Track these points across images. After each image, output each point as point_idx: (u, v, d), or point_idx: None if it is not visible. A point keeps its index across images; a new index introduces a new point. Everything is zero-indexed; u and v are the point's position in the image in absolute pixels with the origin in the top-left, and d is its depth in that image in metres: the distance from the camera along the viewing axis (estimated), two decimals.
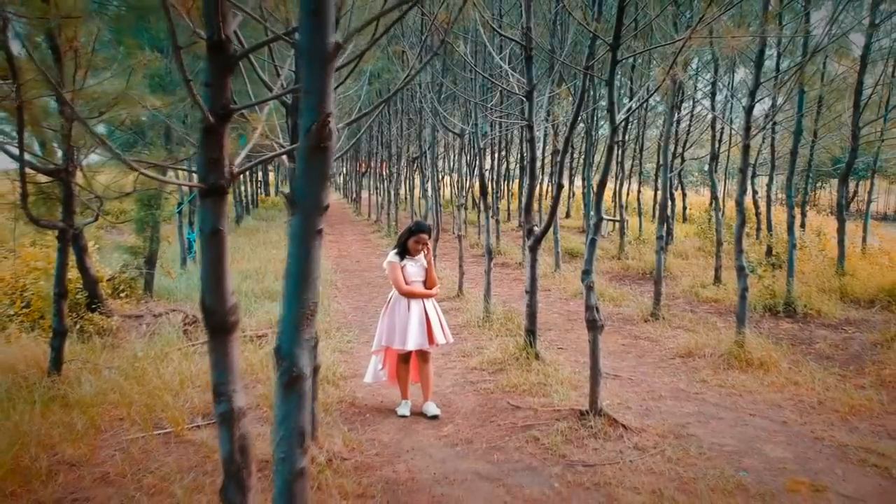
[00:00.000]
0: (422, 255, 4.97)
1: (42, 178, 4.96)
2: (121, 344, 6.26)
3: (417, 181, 21.49)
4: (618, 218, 16.11)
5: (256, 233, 17.97)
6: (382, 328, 4.92)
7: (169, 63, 5.48)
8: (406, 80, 3.57)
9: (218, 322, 2.19)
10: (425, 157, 14.81)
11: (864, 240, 12.48)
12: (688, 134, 16.60)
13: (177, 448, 4.24)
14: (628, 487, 3.72)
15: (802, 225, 13.15)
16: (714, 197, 10.84)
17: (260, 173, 30.42)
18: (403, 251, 4.93)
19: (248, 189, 26.38)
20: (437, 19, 4.49)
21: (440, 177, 19.26)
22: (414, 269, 4.94)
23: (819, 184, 28.16)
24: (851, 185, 27.55)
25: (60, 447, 4.12)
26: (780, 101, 9.76)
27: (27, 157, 4.43)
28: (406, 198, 24.90)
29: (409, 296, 4.87)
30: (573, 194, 24.25)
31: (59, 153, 5.36)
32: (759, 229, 14.40)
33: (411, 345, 4.80)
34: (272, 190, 36.02)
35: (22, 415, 4.35)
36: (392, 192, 19.61)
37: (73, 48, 4.19)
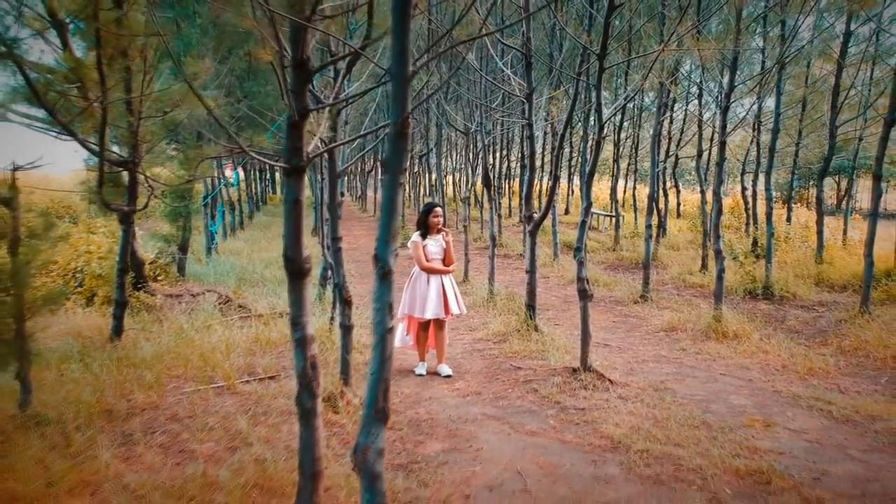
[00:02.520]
0: (441, 236, 5.71)
1: (107, 169, 5.71)
2: (166, 317, 7.02)
3: (422, 179, 22.27)
4: (613, 213, 16.85)
5: (269, 227, 18.77)
6: (405, 299, 5.68)
7: (215, 68, 6.22)
8: (435, 89, 4.30)
9: (297, 268, 2.95)
10: (431, 153, 15.59)
11: (844, 232, 13.26)
12: (681, 133, 17.29)
13: (231, 397, 5.00)
14: (611, 424, 4.48)
15: (788, 219, 13.90)
16: (702, 191, 11.59)
17: (268, 173, 31.16)
18: (425, 231, 5.68)
19: (257, 187, 27.16)
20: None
21: (444, 175, 20.01)
22: (434, 248, 5.69)
23: (812, 182, 28.84)
24: (843, 182, 28.28)
25: (133, 396, 4.89)
26: (760, 102, 10.50)
27: (96, 149, 5.18)
28: (410, 195, 25.69)
29: (429, 271, 5.63)
30: (572, 192, 24.98)
31: (115, 147, 6.13)
32: (748, 224, 15.12)
33: (430, 314, 5.56)
34: (279, 189, 36.83)
35: (99, 369, 5.12)
36: None
37: (143, 57, 4.95)
